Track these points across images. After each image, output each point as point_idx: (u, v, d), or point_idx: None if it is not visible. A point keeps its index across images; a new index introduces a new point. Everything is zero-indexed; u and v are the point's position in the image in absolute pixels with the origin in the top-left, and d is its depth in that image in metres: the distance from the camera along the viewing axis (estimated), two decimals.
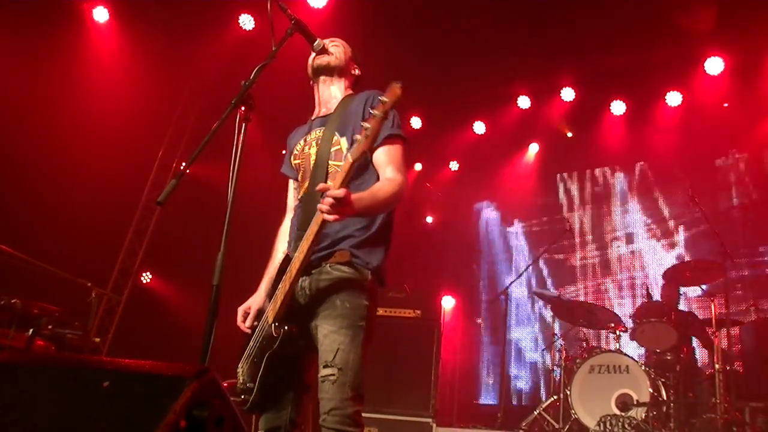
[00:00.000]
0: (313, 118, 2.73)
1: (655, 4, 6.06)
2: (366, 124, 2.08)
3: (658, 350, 5.34)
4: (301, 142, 2.67)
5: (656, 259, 7.59)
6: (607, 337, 6.81)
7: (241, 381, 2.35)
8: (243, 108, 2.25)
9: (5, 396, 1.48)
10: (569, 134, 8.06)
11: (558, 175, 8.50)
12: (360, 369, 2.26)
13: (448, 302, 7.95)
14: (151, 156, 7.57)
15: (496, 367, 8.01)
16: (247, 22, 6.77)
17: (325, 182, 2.34)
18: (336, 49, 2.68)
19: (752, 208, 7.10)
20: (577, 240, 8.11)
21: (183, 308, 7.16)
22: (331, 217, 2.09)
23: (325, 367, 2.24)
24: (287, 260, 2.39)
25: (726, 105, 7.00)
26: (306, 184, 2.53)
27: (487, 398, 7.99)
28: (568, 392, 5.29)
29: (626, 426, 4.59)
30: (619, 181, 8.14)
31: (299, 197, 2.58)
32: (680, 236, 7.52)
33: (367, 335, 2.33)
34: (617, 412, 4.89)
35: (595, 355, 5.34)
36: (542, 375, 7.70)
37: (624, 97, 7.52)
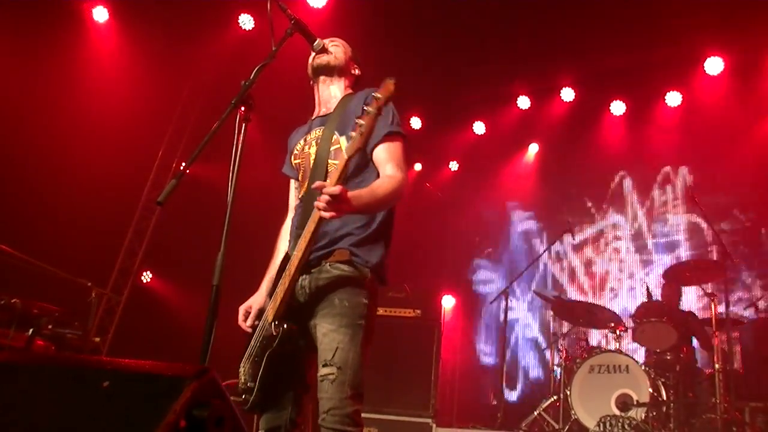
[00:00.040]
0: (313, 118, 2.73)
1: (655, 4, 6.06)
2: (360, 121, 2.09)
3: (658, 350, 5.34)
4: (301, 141, 2.67)
5: (656, 258, 7.59)
6: (606, 336, 6.80)
7: (242, 380, 2.35)
8: (243, 108, 2.25)
9: (5, 396, 1.48)
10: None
11: (559, 175, 8.50)
12: (359, 368, 2.25)
13: (448, 302, 7.96)
14: (150, 156, 7.56)
15: (495, 367, 8.01)
16: (246, 22, 6.76)
17: (325, 181, 2.34)
18: (336, 49, 2.68)
19: (753, 208, 7.10)
20: (578, 240, 8.11)
21: (183, 308, 7.15)
22: (327, 215, 2.09)
23: (324, 365, 2.24)
24: (287, 259, 2.39)
25: (726, 105, 7.00)
26: (306, 184, 2.53)
27: (488, 398, 7.98)
28: (568, 392, 5.28)
29: (626, 426, 4.59)
30: (618, 180, 8.14)
31: (300, 197, 2.58)
32: (680, 236, 7.52)
33: (367, 334, 2.32)
34: (617, 412, 4.89)
35: (595, 355, 5.34)
36: (542, 375, 7.70)
37: (624, 97, 7.52)
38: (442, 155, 8.79)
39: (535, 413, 5.70)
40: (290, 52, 2.54)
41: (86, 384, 1.44)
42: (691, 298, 6.67)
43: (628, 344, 5.99)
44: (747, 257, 6.91)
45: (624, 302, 7.56)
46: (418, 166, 8.79)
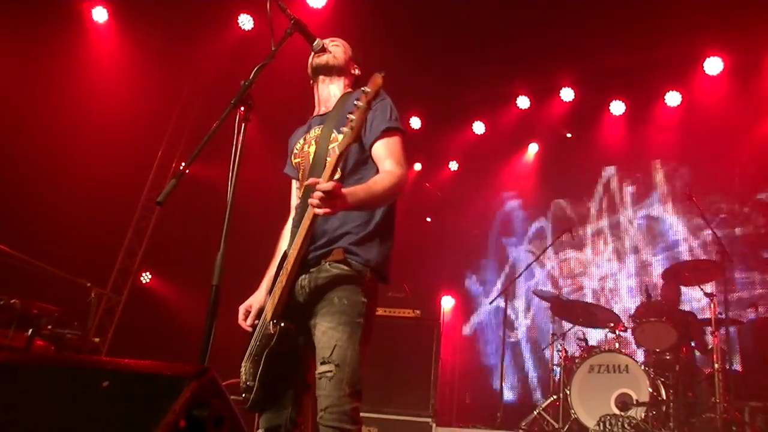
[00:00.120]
0: (312, 117, 2.73)
1: (655, 4, 6.06)
2: (351, 116, 2.11)
3: (657, 350, 5.35)
4: (301, 141, 2.68)
5: (656, 258, 7.59)
6: (606, 336, 6.80)
7: (243, 379, 2.35)
8: (242, 108, 2.25)
9: (5, 396, 1.48)
10: (569, 135, 8.06)
11: (559, 175, 8.50)
12: (358, 366, 2.24)
13: (447, 302, 7.96)
14: (150, 156, 7.57)
15: (495, 367, 8.01)
16: (246, 22, 6.77)
17: None
18: (336, 49, 2.68)
19: (752, 208, 7.10)
20: (578, 239, 8.10)
21: (183, 308, 7.15)
22: (321, 211, 2.08)
23: (322, 363, 2.23)
24: (284, 257, 2.39)
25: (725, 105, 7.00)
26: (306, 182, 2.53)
27: (487, 398, 7.98)
28: (568, 392, 5.29)
29: (626, 426, 4.58)
30: (618, 180, 8.14)
31: (300, 196, 2.58)
32: (680, 236, 7.52)
33: (366, 332, 2.31)
34: (617, 411, 4.89)
35: (595, 355, 5.34)
36: (542, 375, 7.70)
37: (623, 97, 7.52)
38: (441, 155, 8.79)
39: (535, 413, 5.70)
40: (290, 52, 2.54)
41: (86, 384, 1.44)
42: (690, 298, 6.66)
43: (628, 344, 5.99)
44: (746, 257, 6.92)
45: (624, 302, 7.56)
46: (417, 166, 8.80)
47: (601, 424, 4.66)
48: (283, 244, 2.70)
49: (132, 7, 6.63)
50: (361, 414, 2.26)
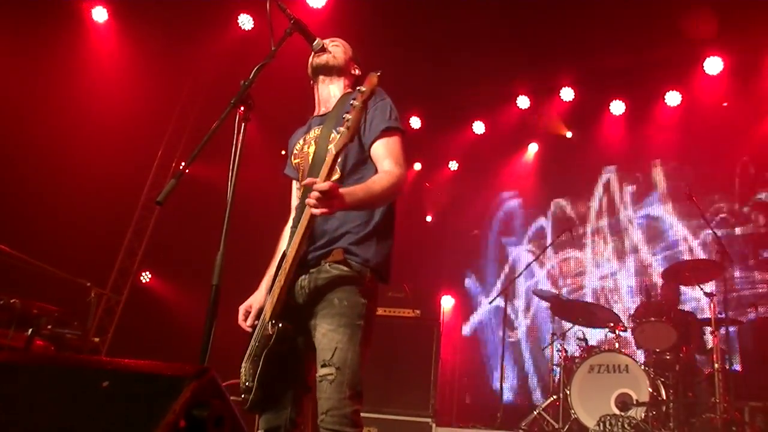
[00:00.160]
0: (312, 117, 2.73)
1: (655, 4, 6.06)
2: (347, 116, 2.11)
3: (657, 350, 5.34)
4: (301, 141, 2.67)
5: (656, 258, 7.59)
6: (606, 336, 6.81)
7: (242, 380, 2.34)
8: (242, 108, 2.25)
9: (5, 396, 1.48)
10: (569, 134, 8.06)
11: (559, 174, 8.50)
12: (358, 368, 2.24)
13: (447, 302, 7.96)
14: (150, 156, 7.57)
15: (495, 367, 8.01)
16: (246, 21, 6.76)
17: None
18: (335, 49, 2.67)
19: (752, 208, 7.10)
20: (577, 239, 8.11)
21: (182, 308, 7.15)
22: (318, 211, 2.08)
23: (323, 366, 2.23)
24: (283, 257, 2.39)
25: (725, 104, 7.00)
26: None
27: (487, 398, 7.98)
28: (568, 392, 5.29)
29: (626, 426, 4.58)
30: (618, 180, 8.14)
31: (300, 196, 2.58)
32: (679, 236, 7.52)
33: (366, 334, 2.31)
34: (617, 411, 4.89)
35: (595, 355, 5.34)
36: (542, 375, 7.70)
37: (623, 96, 7.52)
38: (441, 155, 8.80)
39: (535, 413, 5.70)
40: (290, 52, 2.54)
41: (86, 384, 1.43)
42: (690, 298, 6.67)
43: (628, 344, 5.99)
44: (746, 257, 6.92)
45: (624, 302, 7.56)
46: (417, 166, 8.80)
47: (601, 424, 4.66)
48: (283, 244, 2.70)
49: (132, 7, 6.63)
50: (362, 414, 2.25)
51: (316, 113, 2.72)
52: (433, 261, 8.55)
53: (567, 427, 5.24)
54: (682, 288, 6.05)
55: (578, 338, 5.92)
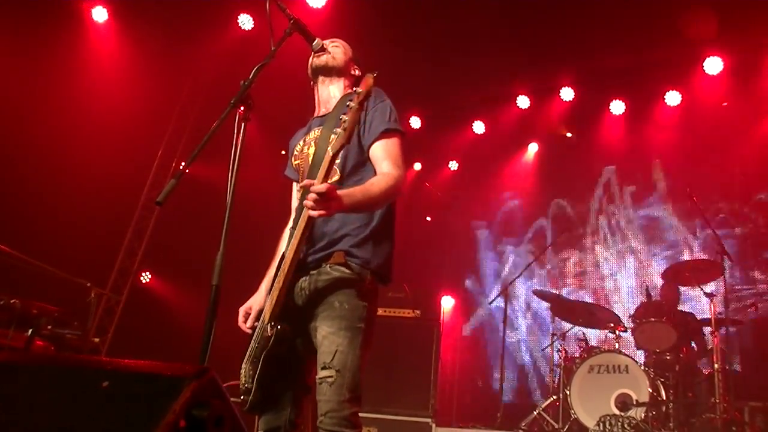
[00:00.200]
0: (312, 118, 2.72)
1: (655, 4, 6.06)
2: (344, 117, 2.11)
3: (657, 350, 5.34)
4: (300, 142, 2.67)
5: (656, 258, 7.59)
6: (606, 336, 6.81)
7: (242, 381, 2.35)
8: (242, 108, 2.24)
9: (5, 396, 1.48)
10: (569, 134, 8.07)
11: (559, 174, 8.50)
12: (358, 371, 2.24)
13: (447, 302, 7.96)
14: (150, 156, 7.57)
15: (495, 367, 8.01)
16: (246, 21, 6.76)
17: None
18: (335, 50, 2.67)
19: (752, 208, 7.10)
20: (577, 239, 8.11)
21: (182, 308, 7.15)
22: (315, 213, 2.08)
23: (323, 368, 2.23)
24: (282, 259, 2.38)
25: (725, 104, 7.00)
26: None
27: (487, 398, 7.98)
28: (568, 392, 5.29)
29: (626, 426, 4.59)
30: (618, 180, 8.14)
31: (300, 198, 2.58)
32: (679, 236, 7.52)
33: (366, 337, 2.31)
34: (617, 411, 4.89)
35: (595, 355, 5.34)
36: (542, 375, 7.70)
37: (623, 96, 7.52)
38: (441, 155, 8.79)
39: (535, 413, 5.70)
40: (290, 52, 2.54)
41: (86, 384, 1.43)
42: (690, 298, 6.67)
43: (628, 344, 5.99)
44: (746, 257, 6.91)
45: (624, 302, 7.56)
46: (417, 166, 8.80)
47: (601, 424, 4.67)
48: (283, 245, 2.69)
49: (132, 7, 6.63)
50: (361, 414, 2.25)
51: (316, 114, 2.72)
52: (433, 261, 8.54)
53: (567, 427, 5.24)
54: (682, 288, 6.05)
55: (578, 338, 5.92)
